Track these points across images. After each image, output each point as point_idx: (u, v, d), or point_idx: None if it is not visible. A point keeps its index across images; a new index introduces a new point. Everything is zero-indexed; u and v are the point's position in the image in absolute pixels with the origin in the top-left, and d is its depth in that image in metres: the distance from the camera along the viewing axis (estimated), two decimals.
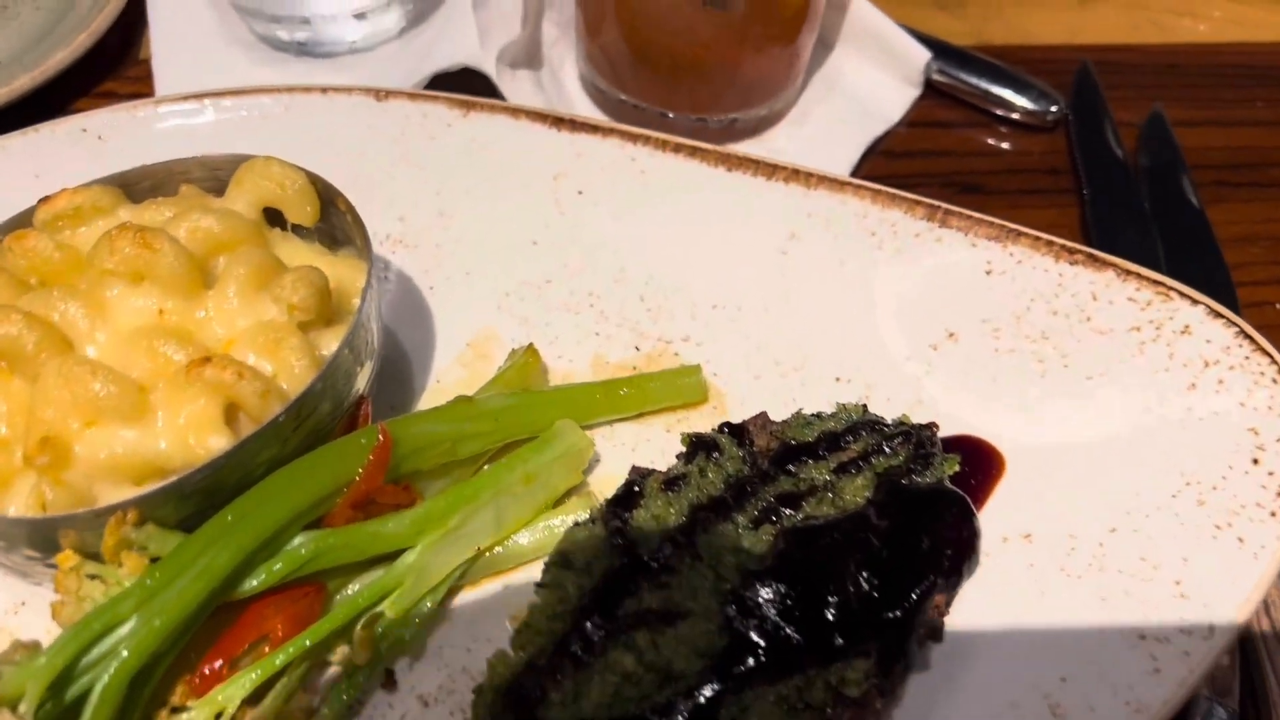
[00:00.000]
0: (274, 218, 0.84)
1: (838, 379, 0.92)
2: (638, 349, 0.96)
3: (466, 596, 0.81)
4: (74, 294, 0.72)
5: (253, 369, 0.69)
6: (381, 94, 1.05)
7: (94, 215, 0.78)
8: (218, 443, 0.69)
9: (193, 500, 0.69)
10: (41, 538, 0.67)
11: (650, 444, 0.90)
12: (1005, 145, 1.22)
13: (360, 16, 1.14)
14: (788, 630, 0.68)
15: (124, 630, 0.64)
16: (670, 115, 1.12)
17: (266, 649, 0.72)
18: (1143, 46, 1.34)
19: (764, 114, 1.15)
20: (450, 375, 0.94)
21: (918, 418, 0.87)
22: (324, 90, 1.05)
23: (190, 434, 0.68)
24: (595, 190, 1.03)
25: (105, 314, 0.72)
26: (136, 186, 0.82)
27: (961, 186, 1.16)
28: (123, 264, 0.71)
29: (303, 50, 1.16)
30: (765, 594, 0.69)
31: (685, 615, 0.69)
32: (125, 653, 0.64)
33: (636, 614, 0.69)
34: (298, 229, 0.84)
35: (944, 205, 0.97)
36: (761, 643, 0.68)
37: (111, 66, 1.18)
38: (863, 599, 0.70)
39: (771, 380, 0.93)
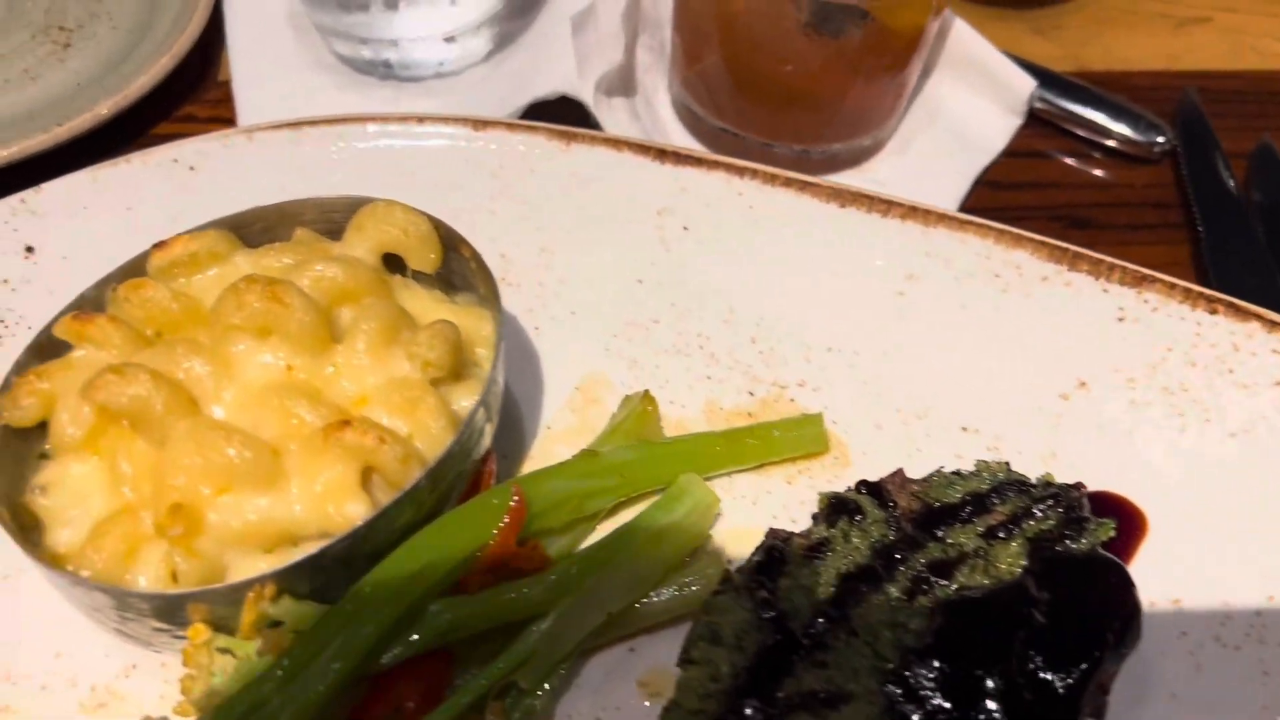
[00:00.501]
0: (390, 261, 0.80)
1: (964, 429, 0.89)
2: (751, 394, 0.92)
3: (593, 661, 0.78)
4: (198, 350, 0.68)
5: (394, 433, 0.66)
6: (480, 124, 1.01)
7: (210, 262, 0.75)
8: (356, 510, 0.65)
9: (328, 570, 0.66)
10: (171, 610, 0.64)
11: (771, 496, 0.86)
12: (1109, 177, 1.18)
13: (450, 40, 1.10)
14: (955, 715, 0.65)
15: (268, 710, 0.61)
16: (773, 145, 1.08)
17: None
18: (1245, 73, 1.30)
19: (867, 144, 1.11)
20: (560, 421, 0.90)
21: (1051, 470, 0.83)
22: (420, 119, 1.01)
23: (329, 502, 0.65)
24: (701, 226, 1.00)
25: (231, 371, 0.69)
26: (249, 229, 0.78)
27: (1070, 221, 1.12)
28: (250, 319, 0.68)
29: (388, 73, 1.13)
30: (928, 675, 0.66)
31: (848, 698, 0.65)
32: None
33: (797, 695, 0.65)
34: (416, 274, 0.81)
35: (1073, 248, 0.93)
36: None
37: (190, 89, 1.15)
38: (1029, 679, 0.67)
39: (894, 429, 0.89)
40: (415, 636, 0.67)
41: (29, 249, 0.92)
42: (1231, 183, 1.14)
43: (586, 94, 1.07)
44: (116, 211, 0.95)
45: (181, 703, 0.65)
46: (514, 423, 0.89)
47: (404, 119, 1.01)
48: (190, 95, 1.15)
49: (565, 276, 0.98)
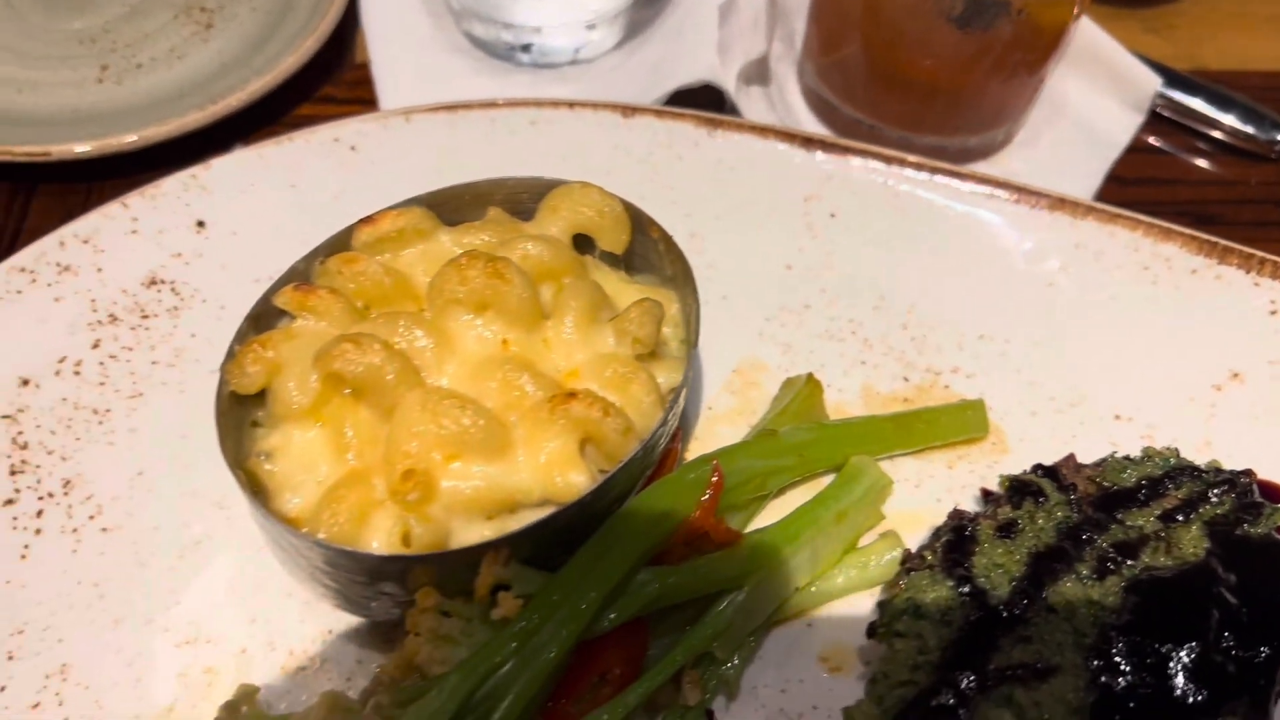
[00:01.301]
0: (577, 242, 0.82)
1: (1117, 417, 0.90)
2: (906, 380, 0.94)
3: (773, 636, 0.80)
4: (419, 322, 0.70)
5: (616, 406, 0.67)
6: (629, 110, 1.03)
7: (415, 238, 0.76)
8: (580, 479, 0.67)
9: (551, 538, 0.67)
10: (402, 573, 0.66)
11: (934, 480, 0.88)
12: (1230, 174, 1.20)
13: (591, 27, 1.12)
14: (1157, 689, 0.66)
15: (504, 672, 0.63)
16: (909, 137, 1.09)
17: (606, 691, 0.70)
18: None
19: (1000, 138, 1.13)
20: (721, 403, 0.92)
21: (1207, 459, 0.85)
22: (570, 105, 1.03)
23: (554, 471, 0.66)
24: (848, 214, 1.01)
25: (451, 344, 0.70)
26: (443, 207, 0.80)
27: (1196, 217, 1.13)
28: (471, 293, 0.69)
29: (525, 58, 1.14)
30: (1129, 651, 0.67)
31: (1055, 671, 0.67)
32: (511, 696, 0.62)
33: (1006, 668, 0.67)
34: (604, 255, 0.82)
35: (1222, 241, 0.95)
36: (1134, 702, 0.66)
37: (329, 70, 1.16)
38: (1225, 655, 0.68)
39: (1048, 416, 0.91)
40: (629, 604, 0.69)
41: (200, 223, 0.93)
42: None
43: (729, 82, 1.08)
44: (281, 188, 0.96)
45: (392, 663, 0.67)
46: (682, 422, 0.91)
47: (556, 104, 1.03)
48: (329, 76, 1.17)
49: (715, 261, 0.99)
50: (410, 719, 0.60)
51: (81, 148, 0.99)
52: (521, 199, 0.82)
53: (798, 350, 0.95)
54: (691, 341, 0.77)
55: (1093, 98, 1.19)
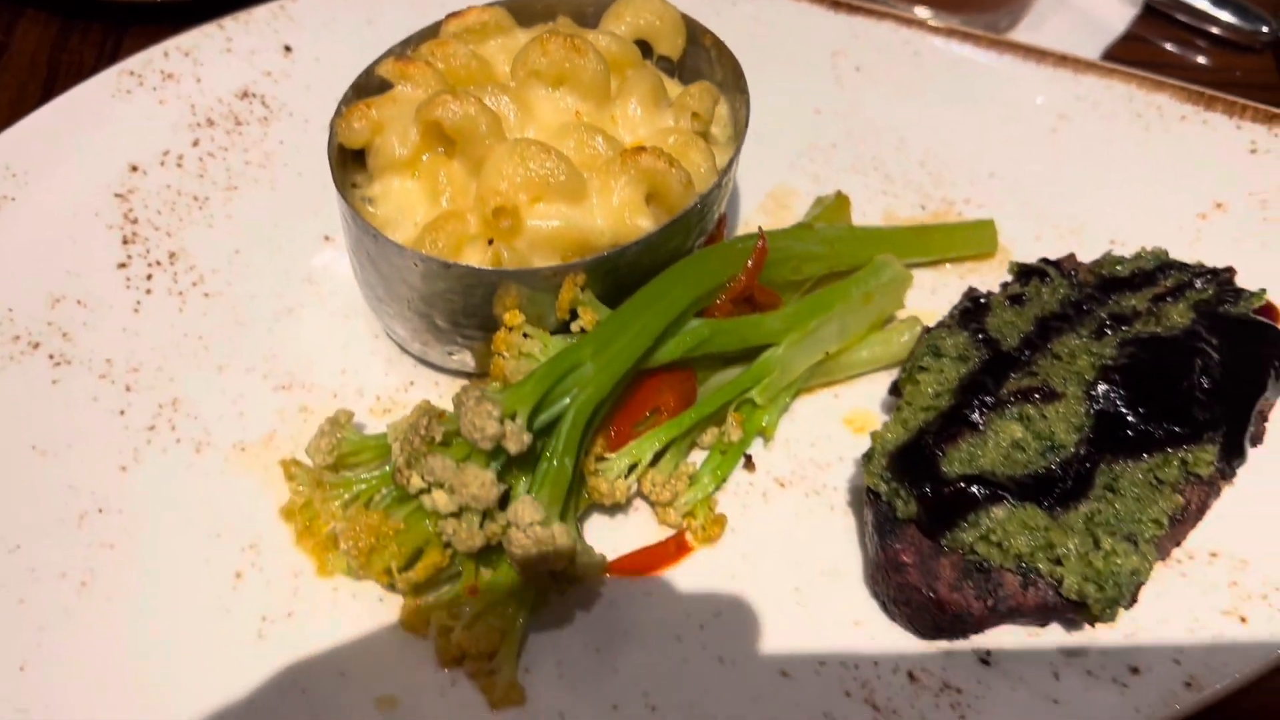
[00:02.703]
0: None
1: (1112, 241, 1.00)
2: (923, 208, 1.04)
3: (806, 401, 0.89)
4: (505, 90, 0.80)
5: (679, 161, 0.77)
6: None
7: (496, 32, 0.86)
8: (646, 223, 0.77)
9: (616, 275, 0.77)
10: (487, 295, 0.75)
11: (948, 288, 0.97)
12: (1217, 64, 1.30)
13: None
14: (1148, 415, 0.76)
15: (583, 372, 0.72)
16: (927, 12, 1.19)
17: (662, 418, 0.80)
18: None
19: (1005, 23, 1.23)
20: (755, 220, 1.01)
21: None
22: None
23: (625, 214, 0.76)
24: (872, 68, 1.11)
25: (531, 112, 0.80)
26: (519, 14, 0.89)
27: None
28: (551, 66, 0.79)
29: None
30: (1125, 385, 0.77)
31: (1059, 396, 0.77)
32: (588, 391, 0.71)
33: (1018, 391, 0.77)
34: (660, 62, 0.92)
35: (1209, 91, 1.05)
36: (1128, 423, 0.76)
37: None
38: (1206, 394, 0.78)
39: (1051, 240, 1.01)
40: (683, 342, 0.78)
41: (287, 48, 1.03)
42: None
43: None
44: (358, 25, 1.06)
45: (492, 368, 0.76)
46: (728, 222, 1.00)
47: None
48: None
49: (752, 105, 1.08)
50: (506, 399, 0.69)
51: None
52: (586, 12, 0.91)
53: (825, 180, 1.05)
54: (740, 134, 0.86)
55: None
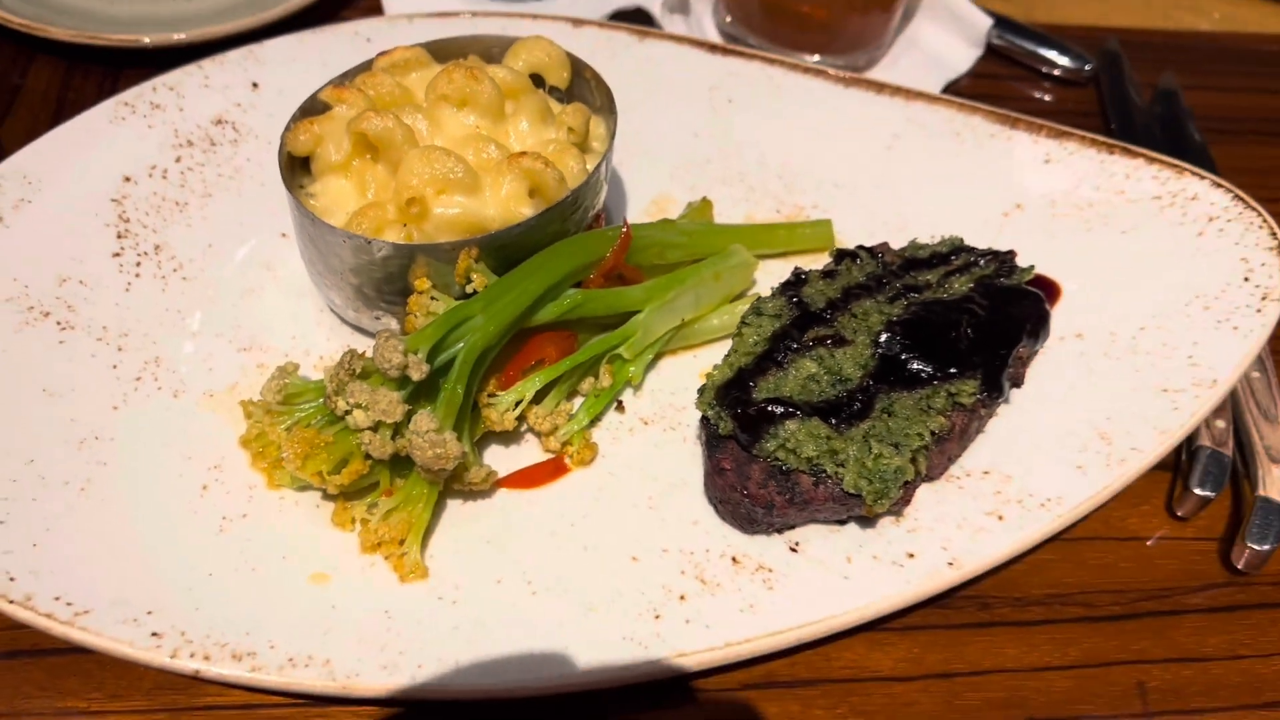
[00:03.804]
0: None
1: (932, 236, 1.22)
2: (778, 211, 1.26)
3: (668, 361, 1.10)
4: (419, 110, 1.02)
5: (553, 162, 0.99)
6: (577, 22, 1.36)
7: (417, 67, 1.08)
8: (527, 211, 0.98)
9: (502, 251, 0.98)
10: (403, 267, 0.96)
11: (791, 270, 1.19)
12: (1047, 96, 1.54)
13: None
14: (921, 357, 0.97)
15: (474, 322, 0.93)
16: (795, 59, 1.43)
17: (544, 366, 1.01)
18: (1156, 31, 1.67)
19: (863, 63, 1.47)
20: (640, 220, 1.23)
21: None
22: (534, 16, 1.36)
23: (510, 203, 0.98)
24: (742, 99, 1.34)
25: (440, 127, 1.02)
26: (437, 53, 1.12)
27: None
28: (455, 91, 1.01)
29: None
30: (904, 334, 0.99)
31: (850, 342, 0.98)
32: (476, 336, 0.92)
33: (816, 339, 0.98)
34: (552, 91, 1.14)
35: (1013, 114, 1.28)
36: (904, 361, 0.97)
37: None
38: (971, 343, 0.99)
39: (880, 236, 1.22)
40: (559, 305, 0.99)
41: (254, 84, 1.25)
42: (1139, 101, 1.50)
43: (655, 8, 1.42)
44: (315, 65, 1.27)
45: (406, 325, 0.96)
46: (610, 219, 1.22)
47: (521, 15, 1.36)
48: (347, 3, 1.50)
49: (640, 128, 1.31)
50: (412, 340, 0.90)
51: (177, 36, 1.30)
52: (492, 51, 1.14)
53: (699, 190, 1.27)
54: (609, 144, 1.08)
55: (941, 35, 1.53)
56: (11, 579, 0.82)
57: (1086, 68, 1.53)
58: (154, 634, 0.82)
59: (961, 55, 1.52)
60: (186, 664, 0.81)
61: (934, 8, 1.53)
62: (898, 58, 1.50)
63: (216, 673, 0.81)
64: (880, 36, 1.46)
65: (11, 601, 0.81)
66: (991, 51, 1.56)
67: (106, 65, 1.36)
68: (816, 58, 1.44)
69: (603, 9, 1.42)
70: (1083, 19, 1.66)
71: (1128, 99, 1.49)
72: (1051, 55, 1.54)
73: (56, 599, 0.82)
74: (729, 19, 1.47)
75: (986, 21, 1.52)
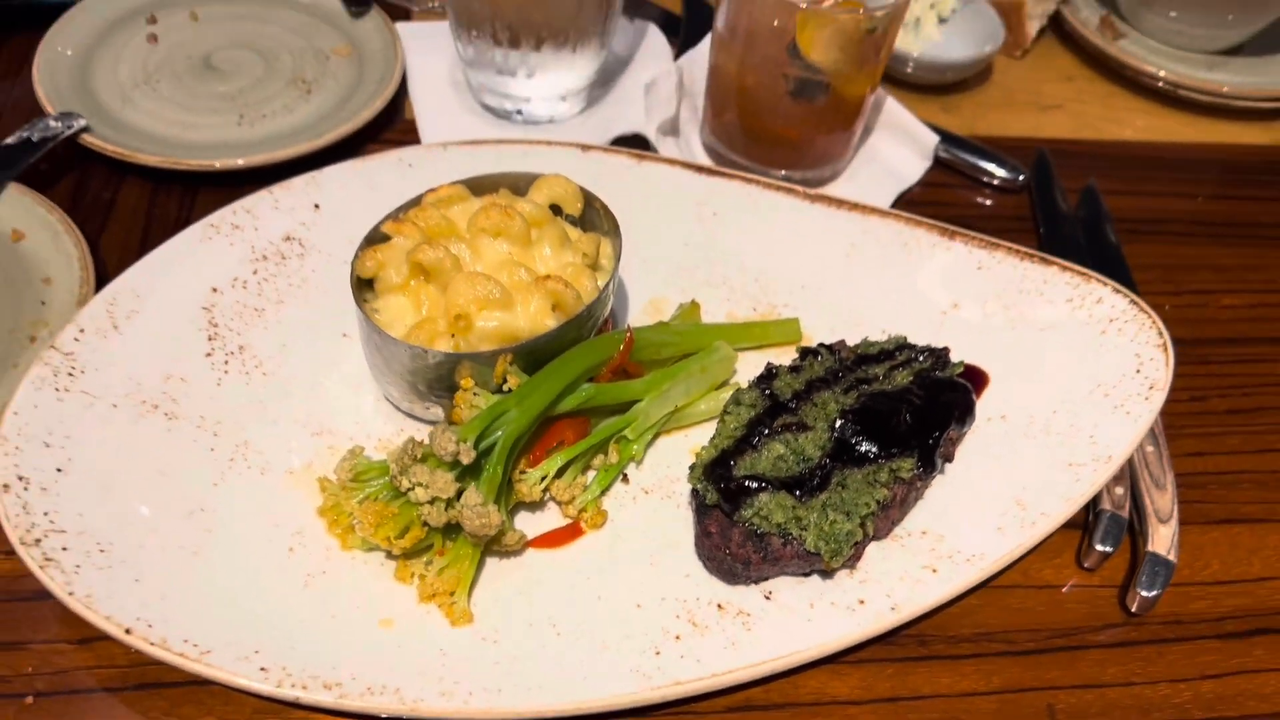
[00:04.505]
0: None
1: (884, 331, 1.46)
2: (754, 310, 1.49)
3: (664, 440, 1.33)
4: (462, 239, 1.26)
5: (573, 286, 1.23)
6: (585, 147, 1.60)
7: (458, 201, 1.32)
8: (551, 323, 1.22)
9: (531, 356, 1.21)
10: (451, 370, 1.19)
11: (763, 365, 1.43)
12: (987, 202, 1.79)
13: (562, 99, 1.71)
14: (869, 440, 1.21)
15: (509, 415, 1.16)
16: (768, 171, 1.68)
17: (564, 447, 1.24)
18: (1084, 141, 1.93)
19: (829, 175, 1.72)
20: (638, 319, 1.47)
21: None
22: (548, 143, 1.60)
23: (538, 317, 1.21)
24: (724, 213, 1.58)
25: (479, 254, 1.25)
26: (473, 188, 1.36)
27: (961, 225, 1.72)
28: (491, 225, 1.25)
29: (519, 118, 1.72)
30: (856, 421, 1.22)
31: (810, 428, 1.22)
32: (512, 426, 1.16)
33: (784, 425, 1.21)
34: (568, 218, 1.39)
35: (952, 227, 1.52)
36: (854, 444, 1.20)
37: (388, 122, 1.74)
38: (909, 428, 1.23)
39: (840, 332, 1.45)
40: (576, 398, 1.23)
41: (316, 205, 1.49)
42: (1065, 206, 1.75)
43: (651, 133, 1.67)
44: (366, 188, 1.51)
45: (453, 415, 1.19)
46: (616, 320, 1.46)
47: (538, 142, 1.60)
48: (388, 127, 1.75)
49: (638, 240, 1.54)
50: (463, 431, 1.13)
51: (240, 161, 1.55)
52: (519, 185, 1.38)
53: (688, 292, 1.50)
54: (615, 265, 1.32)
55: (895, 149, 1.78)
56: (150, 626, 1.04)
57: (1020, 178, 1.78)
58: (262, 669, 1.04)
59: (913, 167, 1.77)
60: (289, 692, 1.03)
61: (889, 126, 1.79)
62: (858, 170, 1.75)
63: (312, 699, 1.03)
64: (843, 153, 1.71)
65: (152, 644, 1.03)
66: (939, 163, 1.81)
67: (185, 184, 1.60)
68: (785, 173, 1.68)
69: (606, 135, 1.67)
70: (1019, 131, 1.92)
71: (1055, 205, 1.74)
72: (990, 166, 1.79)
73: (185, 641, 1.04)
74: (713, 138, 1.73)
75: (934, 138, 1.77)
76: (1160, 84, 2.04)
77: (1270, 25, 2.06)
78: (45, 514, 1.11)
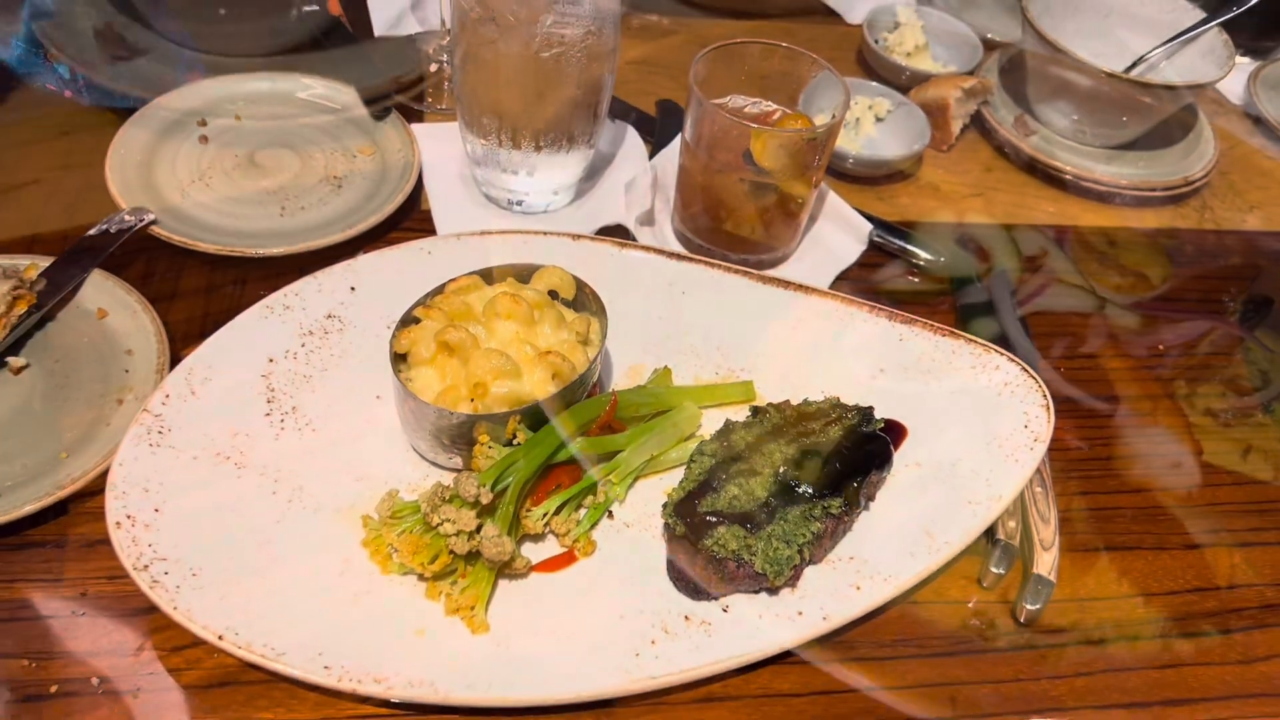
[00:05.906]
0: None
1: (822, 392, 1.77)
2: (717, 373, 1.80)
3: (643, 482, 1.63)
4: (479, 321, 1.56)
5: (569, 360, 1.53)
6: (575, 236, 1.92)
7: (474, 289, 1.62)
8: (551, 389, 1.52)
9: (535, 416, 1.51)
10: (470, 428, 1.49)
11: (721, 421, 1.73)
12: (916, 279, 2.12)
13: (555, 193, 2.02)
14: (805, 483, 1.51)
15: (518, 464, 1.46)
16: (728, 256, 2.00)
17: (561, 489, 1.53)
18: (999, 224, 2.27)
19: (779, 258, 2.04)
20: (620, 383, 1.77)
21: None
22: (544, 233, 1.91)
23: (541, 385, 1.51)
24: (693, 292, 1.88)
25: (493, 333, 1.56)
26: (485, 276, 1.67)
27: (890, 301, 2.04)
28: (502, 309, 1.55)
29: (518, 209, 2.04)
30: (795, 468, 1.52)
31: (759, 474, 1.52)
32: (520, 473, 1.45)
33: (738, 471, 1.52)
34: (564, 301, 1.69)
35: (879, 305, 1.84)
36: (793, 487, 1.50)
37: (406, 213, 2.05)
38: (839, 473, 1.53)
39: (788, 391, 1.76)
40: (570, 449, 1.53)
41: (352, 288, 1.79)
42: (977, 282, 2.08)
43: (631, 224, 1.99)
44: (393, 273, 1.81)
45: (473, 464, 1.48)
46: (603, 385, 1.76)
47: (535, 232, 1.91)
48: (406, 216, 2.05)
49: (621, 315, 1.85)
50: (483, 477, 1.42)
51: (278, 250, 1.85)
52: (523, 274, 1.68)
53: (661, 358, 1.79)
54: (602, 340, 1.62)
55: (835, 235, 2.11)
56: (236, 634, 1.32)
57: (941, 259, 2.11)
58: (325, 667, 1.32)
59: (851, 250, 2.09)
60: (349, 686, 1.30)
61: (830, 215, 2.11)
62: (805, 254, 2.07)
63: (366, 691, 1.31)
64: (791, 240, 2.03)
65: (240, 648, 1.30)
66: (873, 245, 2.13)
67: (238, 267, 1.89)
68: (743, 257, 2.00)
69: (592, 224, 1.98)
70: (944, 217, 2.25)
71: (969, 281, 2.07)
72: (914, 249, 2.12)
73: (265, 645, 1.32)
74: (683, 226, 2.04)
75: (868, 225, 2.09)
76: (1067, 176, 2.38)
77: (1158, 124, 2.42)
78: (150, 545, 1.39)
